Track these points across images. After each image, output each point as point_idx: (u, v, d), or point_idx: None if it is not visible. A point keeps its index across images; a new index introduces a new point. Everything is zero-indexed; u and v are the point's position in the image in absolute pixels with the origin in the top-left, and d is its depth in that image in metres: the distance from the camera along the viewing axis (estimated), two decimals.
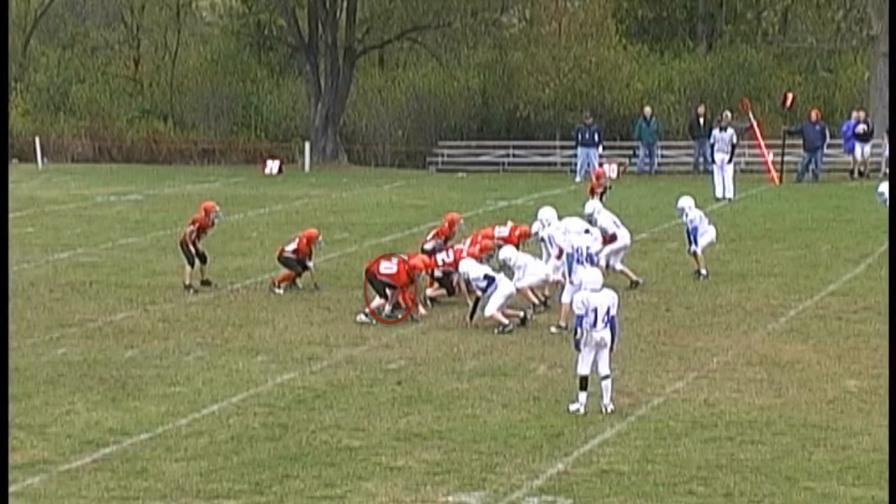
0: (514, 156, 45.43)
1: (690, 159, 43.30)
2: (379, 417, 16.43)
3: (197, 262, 23.96)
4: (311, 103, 47.86)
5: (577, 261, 20.81)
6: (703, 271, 24.37)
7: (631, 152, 43.82)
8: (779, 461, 14.71)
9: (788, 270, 25.31)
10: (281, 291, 23.51)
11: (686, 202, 24.62)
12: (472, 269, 21.27)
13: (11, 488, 13.84)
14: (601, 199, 27.63)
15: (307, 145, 45.85)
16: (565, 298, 20.38)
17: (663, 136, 43.68)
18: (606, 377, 16.62)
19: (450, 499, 13.71)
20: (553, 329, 20.37)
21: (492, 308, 20.85)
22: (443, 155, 46.14)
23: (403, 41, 49.69)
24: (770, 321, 21.29)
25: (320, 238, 24.06)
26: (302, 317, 21.87)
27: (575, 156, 42.52)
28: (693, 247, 24.45)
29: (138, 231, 30.86)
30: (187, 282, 23.79)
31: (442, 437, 15.61)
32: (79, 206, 35.48)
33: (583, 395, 16.55)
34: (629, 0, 49.72)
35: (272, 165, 44.18)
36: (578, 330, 16.62)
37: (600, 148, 42.00)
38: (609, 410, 16.51)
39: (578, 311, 16.63)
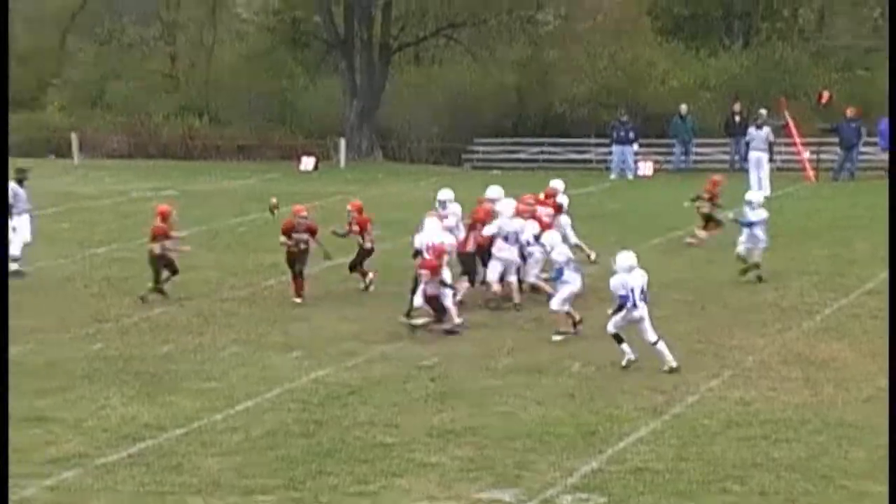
0: (548, 153, 45.37)
1: (726, 157, 43.15)
2: (413, 414, 16.44)
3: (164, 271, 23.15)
4: (346, 100, 47.88)
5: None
6: (750, 276, 23.93)
7: (666, 150, 43.72)
8: (814, 460, 14.65)
9: (824, 269, 25.20)
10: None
11: (755, 196, 24.52)
12: (558, 244, 20.78)
13: (47, 481, 13.95)
14: (714, 205, 27.23)
15: (342, 142, 45.89)
16: (555, 305, 20.16)
17: (699, 134, 43.55)
18: (656, 342, 18.25)
19: (483, 495, 13.71)
20: (556, 338, 20.11)
21: (557, 303, 20.30)
22: (478, 152, 46.11)
23: (439, 38, 49.66)
24: (806, 319, 21.21)
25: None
26: (336, 313, 21.88)
27: (610, 153, 42.46)
28: (760, 243, 24.04)
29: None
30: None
31: (476, 434, 15.62)
32: (115, 202, 35.60)
33: (625, 346, 18.24)
34: None
35: (307, 162, 44.22)
36: (622, 310, 18.15)
37: (635, 145, 41.93)
38: (675, 366, 17.98)
39: (621, 293, 18.19)
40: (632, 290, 18.18)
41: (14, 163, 32.07)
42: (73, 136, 46.85)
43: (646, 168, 42.02)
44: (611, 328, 18.51)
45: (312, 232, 22.89)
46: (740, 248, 24.27)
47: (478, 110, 47.99)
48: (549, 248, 20.79)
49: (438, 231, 21.63)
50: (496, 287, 21.89)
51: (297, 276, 22.79)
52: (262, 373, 18.42)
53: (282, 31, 51.00)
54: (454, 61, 51.00)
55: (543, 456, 14.86)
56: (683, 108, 43.07)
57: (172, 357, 19.25)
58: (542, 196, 24.24)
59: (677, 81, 47.16)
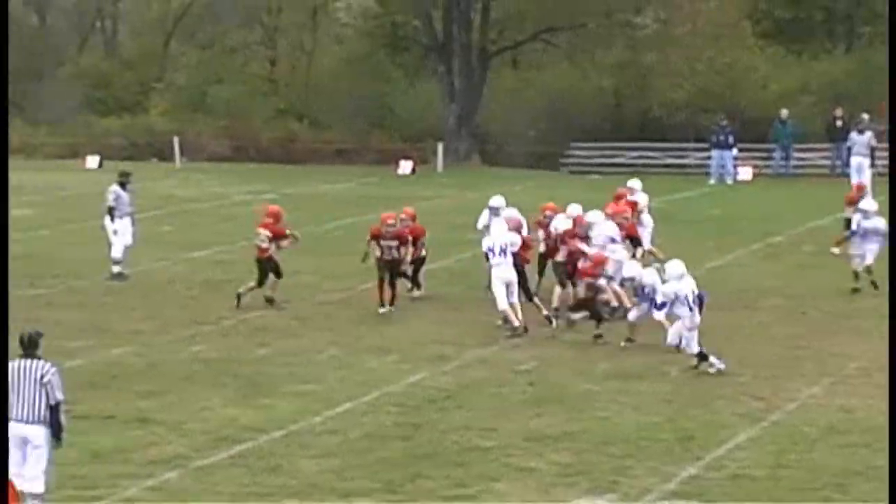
0: (646, 157, 45.15)
1: (827, 162, 42.72)
2: (509, 418, 16.44)
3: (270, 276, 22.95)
4: (444, 104, 48.00)
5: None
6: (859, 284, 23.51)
7: (766, 155, 43.38)
8: None
9: None
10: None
11: (870, 205, 23.89)
12: (643, 271, 20.25)
13: (149, 482, 14.13)
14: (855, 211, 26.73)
15: (440, 146, 46.00)
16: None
17: (800, 139, 43.14)
18: (678, 345, 18.60)
19: (581, 501, 13.68)
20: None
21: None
22: (575, 156, 46.01)
23: (537, 42, 49.63)
24: None
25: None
26: (432, 316, 21.92)
27: (709, 158, 42.21)
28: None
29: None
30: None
31: (573, 439, 15.59)
32: (215, 205, 35.95)
33: (712, 358, 18.32)
34: (766, 1, 49.19)
35: (405, 166, 44.40)
36: (660, 311, 18.81)
37: (735, 150, 41.65)
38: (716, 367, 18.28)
39: (664, 299, 18.67)
40: (686, 298, 18.39)
41: (117, 166, 32.55)
42: (176, 140, 47.37)
43: (745, 173, 41.73)
44: (693, 348, 18.44)
45: (401, 240, 22.49)
46: (856, 262, 23.62)
47: (576, 114, 47.88)
48: (637, 278, 20.26)
49: (505, 231, 21.65)
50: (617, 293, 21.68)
51: (385, 284, 22.14)
52: (360, 376, 18.51)
53: (381, 35, 51.23)
54: (552, 65, 50.92)
55: (641, 462, 14.80)
56: (784, 112, 42.72)
57: (271, 360, 19.40)
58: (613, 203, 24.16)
59: (778, 86, 46.77)
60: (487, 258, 21.49)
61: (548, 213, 23.18)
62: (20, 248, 28.90)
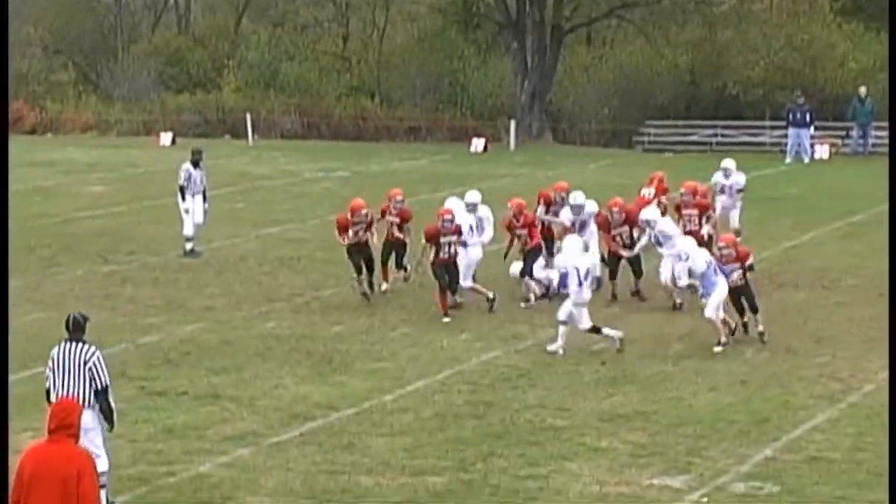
0: (722, 135, 44.78)
1: None
2: (583, 398, 16.34)
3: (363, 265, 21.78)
4: (517, 81, 47.78)
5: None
6: None
7: (844, 133, 42.88)
8: None
9: None
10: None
11: None
12: (693, 251, 19.33)
13: (222, 458, 14.14)
14: None
15: (513, 123, 45.83)
16: (709, 313, 18.61)
17: (879, 117, 42.60)
18: (592, 329, 18.44)
19: (654, 482, 13.56)
20: (717, 349, 18.48)
21: (712, 310, 18.74)
22: (649, 134, 45.70)
23: (611, 18, 49.32)
24: None
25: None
26: (506, 295, 21.81)
27: (785, 136, 41.79)
28: None
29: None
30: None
31: (647, 420, 15.47)
32: (288, 182, 36.01)
33: (605, 329, 18.42)
34: None
35: (477, 143, 44.26)
36: (562, 288, 18.53)
37: (812, 128, 41.20)
38: (620, 348, 18.28)
39: (562, 271, 18.44)
40: (577, 270, 18.29)
41: (190, 143, 32.64)
42: (248, 117, 47.50)
43: (822, 151, 41.29)
44: (561, 315, 18.43)
45: (459, 234, 20.89)
46: None
47: (649, 92, 47.57)
48: (684, 256, 19.48)
49: (462, 214, 21.36)
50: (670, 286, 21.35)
51: (446, 290, 20.58)
52: (432, 354, 18.46)
53: (453, 11, 51.06)
54: (626, 42, 50.59)
55: (715, 443, 14.65)
56: (863, 90, 42.21)
57: (343, 337, 19.39)
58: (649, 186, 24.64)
59: (856, 63, 46.19)
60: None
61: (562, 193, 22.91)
62: (95, 224, 29.12)
